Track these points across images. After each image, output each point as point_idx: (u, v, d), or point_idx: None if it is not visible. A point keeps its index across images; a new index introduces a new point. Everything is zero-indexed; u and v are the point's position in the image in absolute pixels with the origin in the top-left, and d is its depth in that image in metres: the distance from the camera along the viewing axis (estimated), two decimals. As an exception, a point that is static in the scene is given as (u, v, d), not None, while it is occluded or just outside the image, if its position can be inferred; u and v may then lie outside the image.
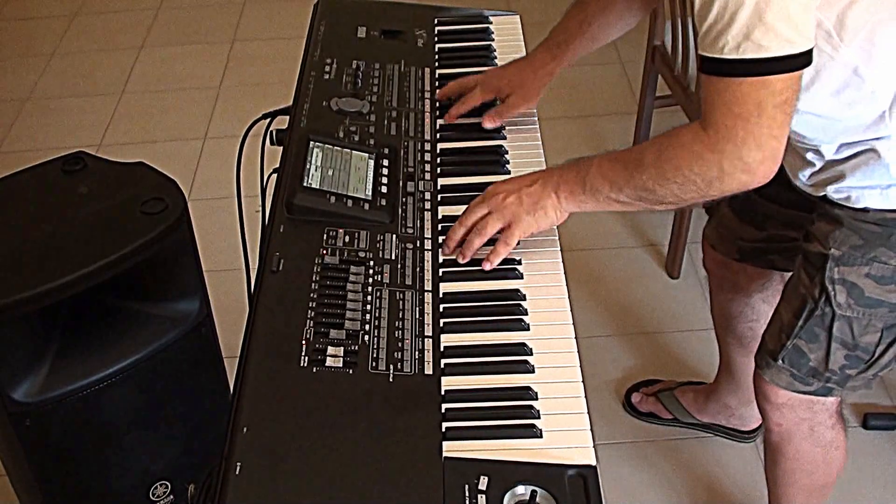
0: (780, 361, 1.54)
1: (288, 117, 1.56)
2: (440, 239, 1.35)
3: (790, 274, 1.59)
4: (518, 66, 1.59)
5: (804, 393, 1.56)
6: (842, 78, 1.30)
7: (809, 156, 1.44)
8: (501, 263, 1.32)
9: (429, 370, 1.16)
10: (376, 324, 1.20)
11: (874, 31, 1.26)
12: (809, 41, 1.15)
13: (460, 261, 1.32)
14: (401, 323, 1.21)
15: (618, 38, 1.61)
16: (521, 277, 1.31)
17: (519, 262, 1.33)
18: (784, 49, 1.13)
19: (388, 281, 1.27)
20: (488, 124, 1.55)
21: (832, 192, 1.43)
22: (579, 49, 1.58)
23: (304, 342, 1.17)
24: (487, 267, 1.30)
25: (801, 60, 1.15)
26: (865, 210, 1.40)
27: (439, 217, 1.39)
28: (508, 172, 1.48)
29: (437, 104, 1.61)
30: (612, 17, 1.57)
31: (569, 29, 1.58)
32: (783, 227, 1.67)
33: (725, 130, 1.17)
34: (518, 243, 1.33)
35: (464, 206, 1.40)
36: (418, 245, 1.33)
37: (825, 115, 1.34)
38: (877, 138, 1.35)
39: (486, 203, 1.34)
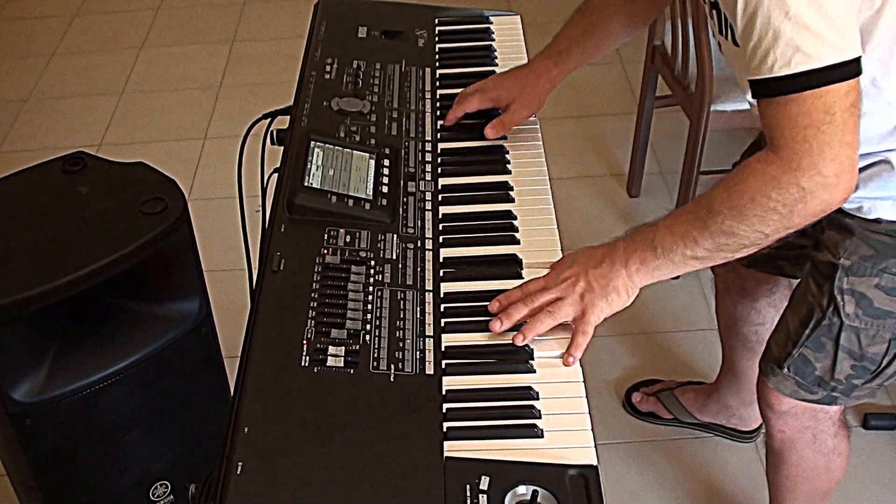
0: (786, 369, 1.54)
1: (288, 117, 1.56)
2: (441, 238, 1.35)
3: (798, 280, 1.58)
4: (519, 73, 1.58)
5: (809, 401, 1.56)
6: (860, 88, 1.29)
7: None
8: (502, 262, 1.32)
9: (430, 370, 1.16)
10: (377, 324, 1.20)
11: (894, 43, 1.25)
12: (857, 48, 1.13)
13: (518, 342, 1.20)
14: (402, 323, 1.21)
15: (621, 45, 1.61)
16: (522, 277, 1.30)
17: (520, 262, 1.32)
18: (834, 56, 1.10)
19: (389, 281, 1.26)
20: (491, 134, 1.53)
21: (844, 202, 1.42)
22: (582, 57, 1.57)
23: (304, 342, 1.17)
24: (571, 362, 1.19)
25: (854, 68, 1.12)
26: (878, 221, 1.39)
27: (440, 217, 1.39)
28: (509, 172, 1.48)
29: (438, 105, 1.61)
30: (614, 24, 1.56)
31: (571, 37, 1.57)
32: (794, 235, 1.66)
33: (798, 145, 1.12)
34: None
35: (464, 206, 1.41)
36: (419, 245, 1.33)
37: None
38: (890, 150, 1.35)
39: (555, 288, 1.25)
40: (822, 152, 1.12)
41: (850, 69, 1.12)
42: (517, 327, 1.22)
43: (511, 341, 1.21)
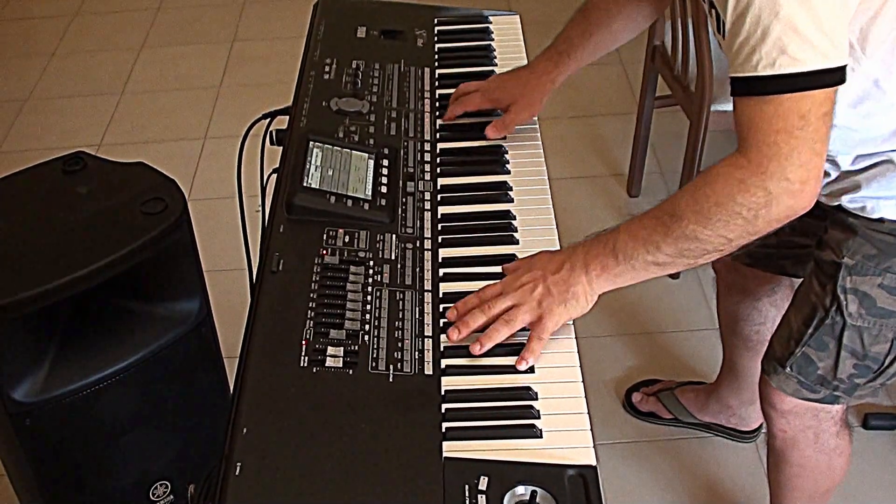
0: (788, 369, 1.53)
1: (288, 117, 1.56)
2: (440, 238, 1.35)
3: (800, 279, 1.57)
4: (519, 74, 1.58)
5: (811, 400, 1.56)
6: (862, 89, 1.28)
7: (825, 167, 1.42)
8: (501, 262, 1.32)
9: (429, 370, 1.16)
10: (376, 324, 1.20)
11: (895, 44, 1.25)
12: (844, 56, 1.12)
13: (475, 351, 1.19)
14: (401, 323, 1.21)
15: (622, 45, 1.61)
16: (521, 277, 1.31)
17: (519, 262, 1.33)
18: (819, 62, 1.09)
19: (387, 281, 1.26)
20: (492, 135, 1.52)
21: (847, 201, 1.42)
22: (582, 58, 1.57)
23: (303, 342, 1.17)
24: (523, 366, 1.17)
25: (837, 76, 1.11)
26: (881, 220, 1.39)
27: (439, 217, 1.39)
28: (508, 172, 1.48)
29: (438, 104, 1.61)
30: (615, 25, 1.56)
31: (571, 38, 1.56)
32: (796, 234, 1.65)
33: (768, 148, 1.12)
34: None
35: (463, 206, 1.41)
36: (418, 245, 1.33)
37: (843, 125, 1.30)
38: (894, 150, 1.35)
39: (512, 294, 1.22)
40: (791, 157, 1.11)
41: (833, 77, 1.11)
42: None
43: (508, 341, 1.20)
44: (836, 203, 1.43)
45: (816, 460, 1.67)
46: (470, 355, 1.19)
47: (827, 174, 1.42)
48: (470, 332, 1.20)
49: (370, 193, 1.37)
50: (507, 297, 1.22)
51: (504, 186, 1.45)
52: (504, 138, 1.55)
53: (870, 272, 1.41)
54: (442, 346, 1.20)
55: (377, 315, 1.22)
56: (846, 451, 1.68)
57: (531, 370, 1.18)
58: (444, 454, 1.06)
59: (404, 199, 1.40)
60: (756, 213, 1.14)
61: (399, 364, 1.16)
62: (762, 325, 1.91)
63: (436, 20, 1.81)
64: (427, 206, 1.40)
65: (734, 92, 1.15)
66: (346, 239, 1.31)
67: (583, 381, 1.18)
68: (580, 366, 1.20)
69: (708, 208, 1.15)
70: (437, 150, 1.51)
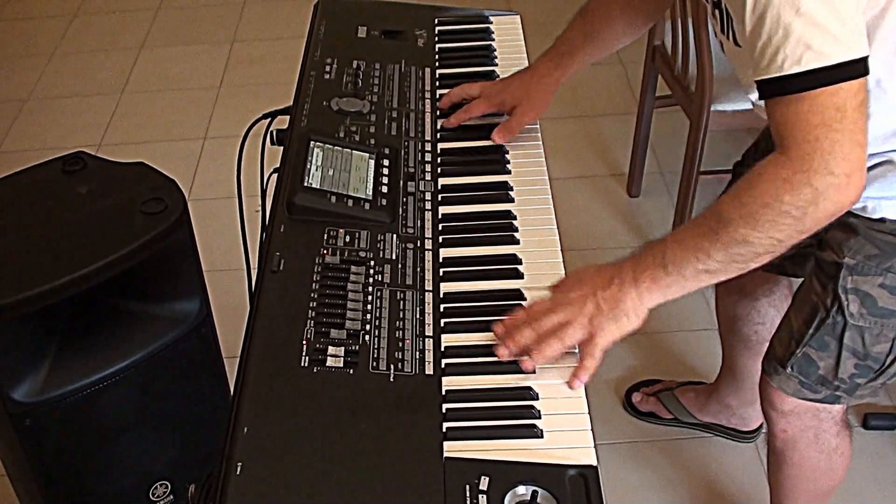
0: (789, 369, 1.53)
1: (288, 117, 1.56)
2: (440, 238, 1.35)
3: (799, 279, 1.57)
4: (522, 77, 1.58)
5: (812, 400, 1.55)
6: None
7: None
8: (502, 262, 1.32)
9: (429, 370, 1.16)
10: (377, 324, 1.20)
11: None
12: (865, 47, 1.12)
13: (527, 368, 1.17)
14: (401, 323, 1.21)
15: (624, 46, 1.61)
16: (522, 277, 1.31)
17: (520, 262, 1.32)
18: (845, 54, 1.09)
19: (388, 281, 1.26)
20: (498, 139, 1.52)
21: None
22: (584, 59, 1.57)
23: (304, 342, 1.17)
24: (577, 385, 1.15)
25: (862, 67, 1.11)
26: (882, 220, 1.39)
27: (439, 217, 1.39)
28: (509, 172, 1.48)
29: (438, 107, 1.61)
30: (617, 27, 1.56)
31: (573, 39, 1.57)
32: None
33: (809, 145, 1.11)
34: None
35: (464, 206, 1.41)
36: (419, 245, 1.33)
37: None
38: (894, 150, 1.35)
39: (561, 309, 1.20)
40: (834, 151, 1.10)
41: (858, 68, 1.11)
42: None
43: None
44: None
45: (817, 460, 1.67)
46: (471, 355, 1.19)
47: None
48: (519, 349, 1.18)
49: (371, 193, 1.37)
50: (557, 314, 1.20)
51: (505, 186, 1.45)
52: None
53: (871, 272, 1.41)
54: (443, 345, 1.20)
55: (378, 315, 1.21)
56: (846, 451, 1.68)
57: (532, 371, 1.17)
58: (445, 454, 1.06)
59: (405, 199, 1.40)
60: (804, 210, 1.12)
61: (400, 364, 1.16)
62: (761, 325, 1.91)
63: (436, 20, 1.81)
64: (428, 206, 1.40)
65: (763, 95, 1.15)
66: (347, 239, 1.31)
67: (583, 381, 1.17)
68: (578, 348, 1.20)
69: (755, 210, 1.14)
70: (438, 150, 1.51)
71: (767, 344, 1.77)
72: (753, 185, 1.15)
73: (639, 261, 1.21)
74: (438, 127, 1.56)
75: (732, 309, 1.95)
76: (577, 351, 1.21)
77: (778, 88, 1.12)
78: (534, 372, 1.17)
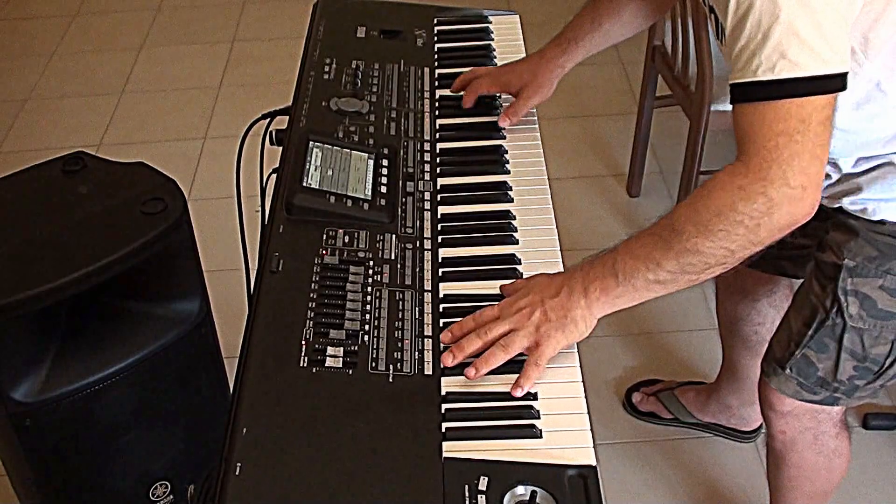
0: (788, 370, 1.53)
1: (287, 117, 1.56)
2: (439, 238, 1.35)
3: (799, 280, 1.57)
4: (529, 61, 1.60)
5: (810, 402, 1.55)
6: (864, 92, 1.28)
7: (827, 169, 1.42)
8: (501, 262, 1.32)
9: (428, 370, 1.16)
10: (376, 324, 1.20)
11: None
12: (845, 63, 1.11)
13: (470, 376, 1.15)
14: (400, 323, 1.21)
15: (628, 38, 1.62)
16: (521, 277, 1.30)
17: (519, 262, 1.32)
18: (819, 68, 1.08)
19: (387, 281, 1.26)
20: (504, 123, 1.54)
21: (848, 203, 1.42)
22: (590, 46, 1.58)
23: (303, 342, 1.17)
24: (518, 393, 1.13)
25: (838, 82, 1.10)
26: (882, 222, 1.39)
27: (439, 217, 1.39)
28: (508, 172, 1.48)
29: (438, 104, 1.61)
30: (624, 17, 1.57)
31: (582, 25, 1.58)
32: (797, 236, 1.65)
33: (768, 153, 1.10)
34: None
35: (463, 206, 1.41)
36: (418, 245, 1.33)
37: (845, 128, 1.30)
38: (895, 153, 1.35)
39: (508, 318, 1.19)
40: (792, 162, 1.09)
41: (832, 83, 1.10)
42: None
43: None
44: (837, 205, 1.43)
45: (815, 462, 1.67)
46: (470, 355, 1.19)
47: (828, 176, 1.42)
48: (465, 357, 1.17)
49: (370, 193, 1.37)
50: (504, 322, 1.19)
51: (504, 186, 1.45)
52: (504, 137, 1.55)
53: (871, 274, 1.41)
54: (442, 346, 1.20)
55: (377, 315, 1.21)
56: (845, 452, 1.68)
57: (473, 379, 1.16)
58: (444, 454, 1.06)
59: (404, 199, 1.40)
60: (758, 221, 1.11)
61: (399, 364, 1.16)
62: (761, 326, 1.91)
63: (435, 20, 1.81)
64: (427, 206, 1.40)
65: (734, 99, 1.14)
66: (346, 239, 1.31)
67: (583, 381, 1.17)
68: (580, 366, 1.20)
69: (708, 219, 1.12)
70: (437, 150, 1.51)
71: (766, 344, 1.77)
72: (708, 194, 1.13)
73: (589, 270, 1.20)
74: (438, 127, 1.57)
75: (733, 309, 1.95)
76: (575, 350, 1.21)
77: (747, 93, 1.11)
78: (474, 378, 1.15)
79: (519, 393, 1.14)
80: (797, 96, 1.09)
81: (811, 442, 1.63)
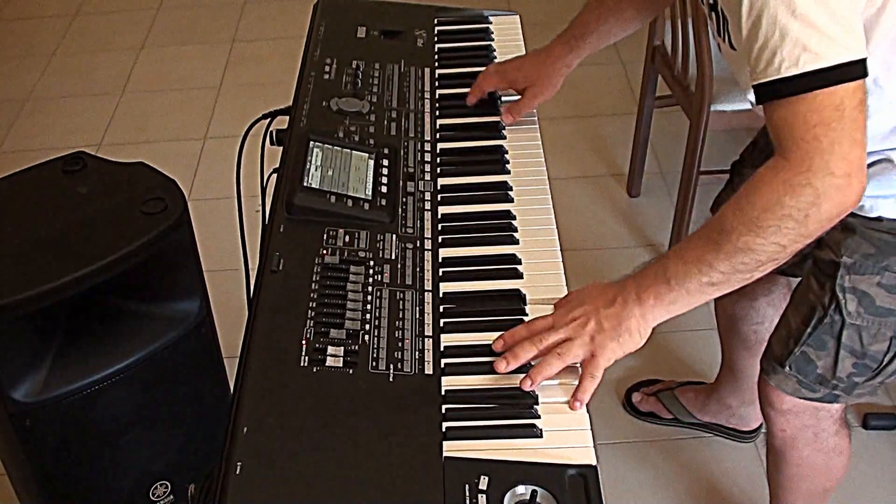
0: (787, 368, 1.53)
1: (288, 117, 1.56)
2: (440, 238, 1.35)
3: (797, 279, 1.57)
4: (535, 57, 1.60)
5: (810, 399, 1.56)
6: None
7: None
8: (502, 262, 1.32)
9: (429, 370, 1.16)
10: (376, 324, 1.20)
11: (895, 42, 1.25)
12: (863, 48, 1.11)
13: (526, 387, 1.14)
14: (401, 323, 1.21)
15: (628, 37, 1.63)
16: (521, 277, 1.31)
17: (519, 262, 1.33)
18: (842, 55, 1.09)
19: (388, 281, 1.27)
20: (507, 120, 1.55)
21: None
22: (595, 43, 1.59)
23: (304, 342, 1.17)
24: (578, 407, 1.13)
25: (861, 68, 1.10)
26: (879, 219, 1.39)
27: (439, 217, 1.39)
28: (508, 172, 1.48)
29: (438, 104, 1.61)
30: (627, 13, 1.58)
31: (586, 22, 1.59)
32: None
33: (807, 144, 1.10)
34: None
35: (463, 206, 1.41)
36: (418, 245, 1.33)
37: None
38: (892, 148, 1.35)
39: (564, 328, 1.19)
40: (833, 150, 1.09)
41: (856, 69, 1.11)
42: (523, 368, 1.17)
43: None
44: None
45: (815, 460, 1.67)
46: (470, 355, 1.19)
47: None
48: (519, 364, 1.16)
49: (370, 193, 1.37)
50: (559, 331, 1.18)
51: (504, 186, 1.45)
52: (504, 137, 1.55)
53: (868, 271, 1.42)
54: (442, 345, 1.20)
55: (377, 315, 1.22)
56: (845, 450, 1.68)
57: (529, 389, 1.16)
58: (445, 454, 1.06)
59: (404, 199, 1.40)
60: (806, 213, 1.11)
61: (399, 364, 1.16)
62: (760, 325, 1.91)
63: (436, 20, 1.81)
64: (427, 206, 1.40)
65: (760, 99, 1.14)
66: (347, 239, 1.31)
67: (583, 381, 1.17)
68: (580, 366, 1.20)
69: (757, 216, 1.12)
70: (438, 150, 1.51)
71: (765, 344, 1.77)
72: (753, 191, 1.14)
73: (642, 278, 1.20)
74: (438, 127, 1.57)
75: (731, 309, 1.95)
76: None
77: (775, 91, 1.12)
78: (530, 389, 1.14)
79: (578, 407, 1.13)
80: (826, 86, 1.09)
81: (811, 440, 1.63)
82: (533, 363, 1.17)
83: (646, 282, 1.19)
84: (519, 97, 1.59)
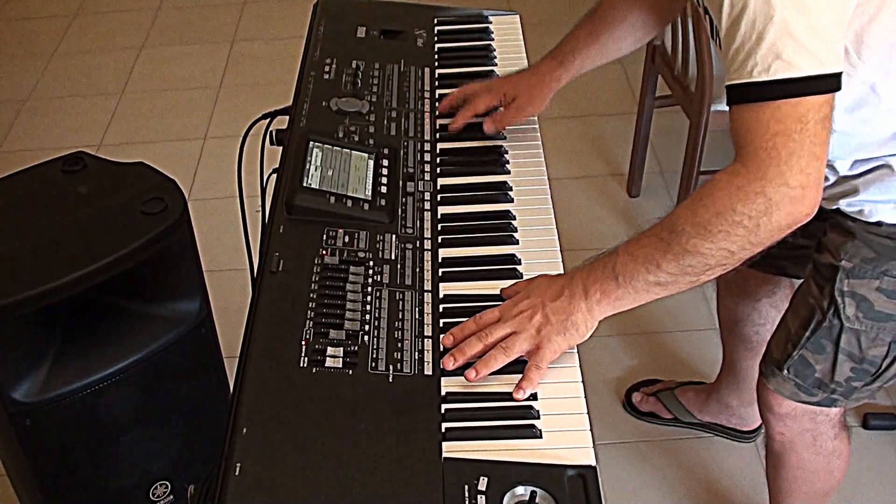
0: (786, 371, 1.53)
1: (288, 117, 1.56)
2: (439, 239, 1.35)
3: (800, 280, 1.56)
4: (525, 73, 1.58)
5: (808, 403, 1.56)
6: (859, 95, 1.28)
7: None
8: (501, 262, 1.32)
9: (428, 371, 1.16)
10: (376, 324, 1.20)
11: (892, 48, 1.25)
12: (839, 63, 1.11)
13: (471, 378, 1.16)
14: (400, 323, 1.21)
15: (630, 52, 1.60)
16: (521, 278, 1.30)
17: (519, 262, 1.32)
18: (815, 68, 1.08)
19: (387, 281, 1.26)
20: (488, 128, 1.52)
21: (845, 205, 1.42)
22: (587, 60, 1.57)
23: (303, 342, 1.17)
24: (521, 395, 1.14)
25: (833, 83, 1.10)
26: (879, 224, 1.39)
27: (439, 217, 1.39)
28: (508, 172, 1.48)
29: (438, 103, 1.61)
30: (622, 30, 1.55)
31: (578, 38, 1.56)
32: (797, 236, 1.65)
33: (766, 153, 1.09)
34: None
35: (463, 206, 1.41)
36: (418, 245, 1.33)
37: (841, 131, 1.28)
38: (892, 154, 1.35)
39: (508, 321, 1.20)
40: (790, 162, 1.09)
41: (828, 83, 1.10)
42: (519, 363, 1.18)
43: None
44: (835, 206, 1.43)
45: (814, 463, 1.67)
46: (471, 358, 1.19)
47: (825, 178, 1.42)
48: (466, 360, 1.17)
49: (370, 193, 1.37)
50: (505, 325, 1.19)
51: (504, 186, 1.45)
52: (503, 137, 1.55)
53: (867, 275, 1.41)
54: (442, 346, 1.20)
55: (377, 315, 1.21)
56: (844, 453, 1.68)
57: (474, 381, 1.16)
58: (444, 454, 1.06)
59: (404, 199, 1.40)
60: (757, 221, 1.11)
61: (399, 364, 1.16)
62: (762, 326, 1.91)
63: (436, 20, 1.81)
64: (427, 206, 1.40)
65: (730, 101, 1.14)
66: (346, 239, 1.31)
67: (583, 381, 1.17)
68: (580, 366, 1.20)
69: (708, 220, 1.12)
70: (437, 150, 1.51)
71: (766, 345, 1.78)
72: (708, 195, 1.13)
73: (590, 272, 1.20)
74: (438, 127, 1.56)
75: (734, 309, 1.95)
76: (575, 351, 1.21)
77: (744, 94, 1.11)
78: (474, 381, 1.15)
79: (521, 395, 1.14)
80: (794, 96, 1.08)
81: (810, 443, 1.63)
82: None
83: (593, 276, 1.19)
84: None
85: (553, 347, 1.18)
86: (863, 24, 1.22)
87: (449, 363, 1.17)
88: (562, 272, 1.28)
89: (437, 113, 1.59)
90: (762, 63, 1.08)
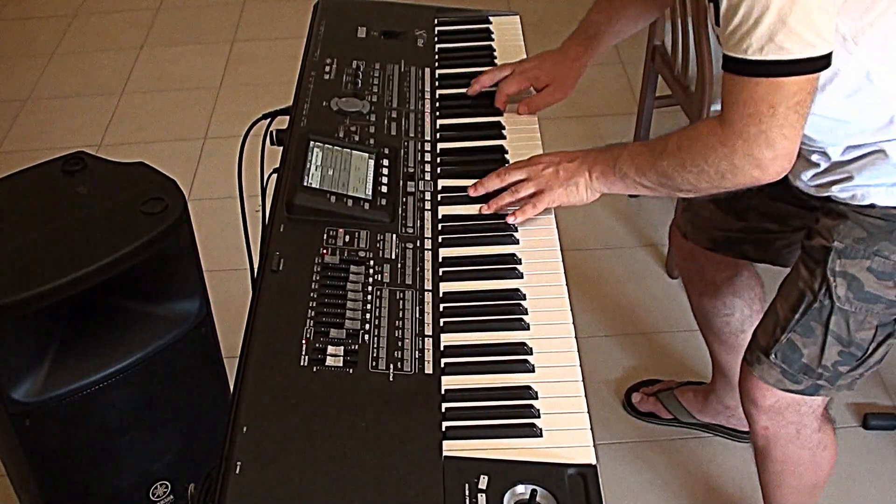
0: (773, 356, 1.54)
1: (288, 117, 1.56)
2: (440, 238, 1.35)
3: (761, 264, 1.65)
4: (554, 58, 1.63)
5: (793, 391, 1.56)
6: (854, 82, 1.32)
7: (815, 157, 1.44)
8: (501, 262, 1.32)
9: (429, 369, 1.16)
10: (376, 323, 1.20)
11: (888, 36, 1.28)
12: (829, 45, 1.20)
13: (484, 211, 1.39)
14: (401, 322, 1.21)
15: (627, 39, 1.66)
16: (521, 277, 1.31)
17: (519, 262, 1.33)
18: (805, 52, 1.18)
19: (388, 280, 1.27)
20: (523, 112, 1.59)
21: (837, 191, 1.44)
22: (607, 42, 1.64)
23: (304, 342, 1.17)
24: (511, 220, 1.36)
25: (820, 63, 1.20)
26: (871, 206, 1.42)
27: (439, 217, 1.39)
28: (508, 172, 1.48)
29: (438, 104, 1.61)
30: (634, 11, 1.63)
31: (598, 23, 1.63)
32: (763, 219, 1.70)
33: (737, 127, 1.23)
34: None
35: (463, 207, 1.41)
36: (418, 245, 1.33)
37: (835, 117, 1.36)
38: (885, 140, 1.37)
39: (526, 168, 1.40)
40: (758, 140, 1.22)
41: (815, 64, 1.20)
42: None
43: (508, 340, 1.21)
44: (826, 194, 1.45)
45: (800, 456, 1.67)
46: (470, 354, 1.19)
47: (817, 165, 1.45)
48: (486, 192, 1.40)
49: (370, 193, 1.37)
50: (521, 171, 1.40)
51: (504, 186, 1.45)
52: (503, 136, 1.55)
53: (859, 255, 1.44)
54: (442, 345, 1.20)
55: (377, 314, 1.22)
56: (830, 445, 1.69)
57: (532, 370, 1.18)
58: (445, 453, 1.06)
59: (404, 199, 1.40)
60: (722, 175, 1.27)
61: (399, 363, 1.16)
62: (730, 316, 1.93)
63: (436, 20, 1.81)
64: (427, 205, 1.40)
65: (725, 66, 1.24)
66: (347, 238, 1.32)
67: (583, 381, 1.17)
68: (580, 366, 1.20)
69: (683, 158, 1.30)
70: (438, 150, 1.51)
71: (739, 336, 1.80)
72: (691, 137, 1.31)
73: (600, 154, 1.40)
74: (438, 127, 1.57)
75: (700, 304, 1.98)
76: (575, 350, 1.21)
77: (736, 67, 1.23)
78: (485, 209, 1.39)
79: (510, 220, 1.37)
80: (780, 76, 1.19)
81: (794, 437, 1.64)
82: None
83: (601, 158, 1.39)
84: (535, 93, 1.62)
85: (552, 196, 1.38)
86: (860, 13, 1.27)
87: (472, 191, 1.41)
88: (562, 272, 1.31)
89: (437, 112, 1.59)
90: (756, 44, 1.19)
